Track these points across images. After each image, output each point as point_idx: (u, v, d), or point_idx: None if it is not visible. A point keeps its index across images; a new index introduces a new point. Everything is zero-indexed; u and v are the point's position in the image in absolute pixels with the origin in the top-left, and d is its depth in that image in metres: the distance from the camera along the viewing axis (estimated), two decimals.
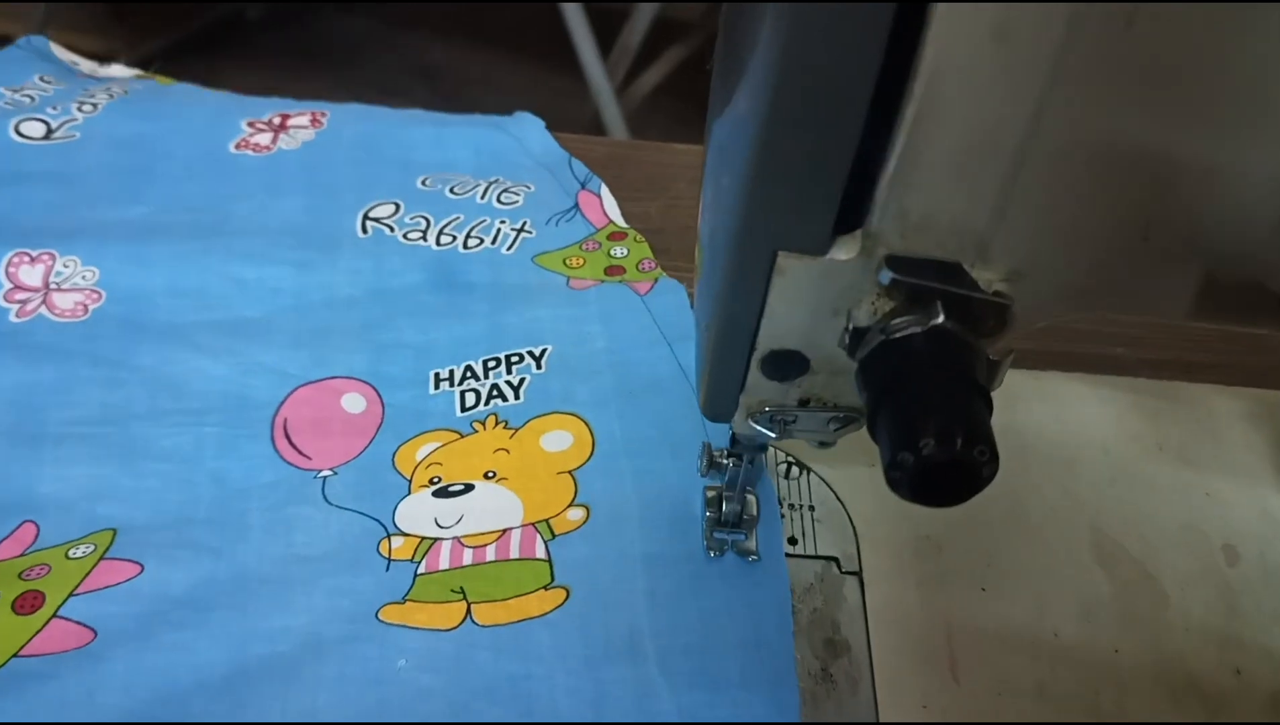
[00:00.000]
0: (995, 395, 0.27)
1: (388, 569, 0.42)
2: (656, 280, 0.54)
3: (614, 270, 0.55)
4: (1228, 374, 0.51)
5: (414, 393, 0.49)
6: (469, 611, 0.41)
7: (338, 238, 0.56)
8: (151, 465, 0.45)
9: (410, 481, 0.45)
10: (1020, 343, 0.29)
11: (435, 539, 0.43)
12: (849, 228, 0.27)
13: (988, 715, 0.38)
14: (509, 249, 0.56)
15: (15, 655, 0.38)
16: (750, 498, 0.42)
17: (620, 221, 0.58)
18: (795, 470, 0.45)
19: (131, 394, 0.48)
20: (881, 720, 0.38)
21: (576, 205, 0.59)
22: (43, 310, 0.51)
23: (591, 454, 0.46)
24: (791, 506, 0.44)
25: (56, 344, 0.50)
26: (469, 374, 0.50)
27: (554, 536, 0.43)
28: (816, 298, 0.28)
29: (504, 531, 0.43)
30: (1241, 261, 0.27)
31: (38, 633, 0.39)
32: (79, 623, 0.39)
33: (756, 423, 0.34)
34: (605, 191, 0.60)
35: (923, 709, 0.39)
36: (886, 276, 0.27)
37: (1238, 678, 0.40)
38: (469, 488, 0.45)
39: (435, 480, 0.45)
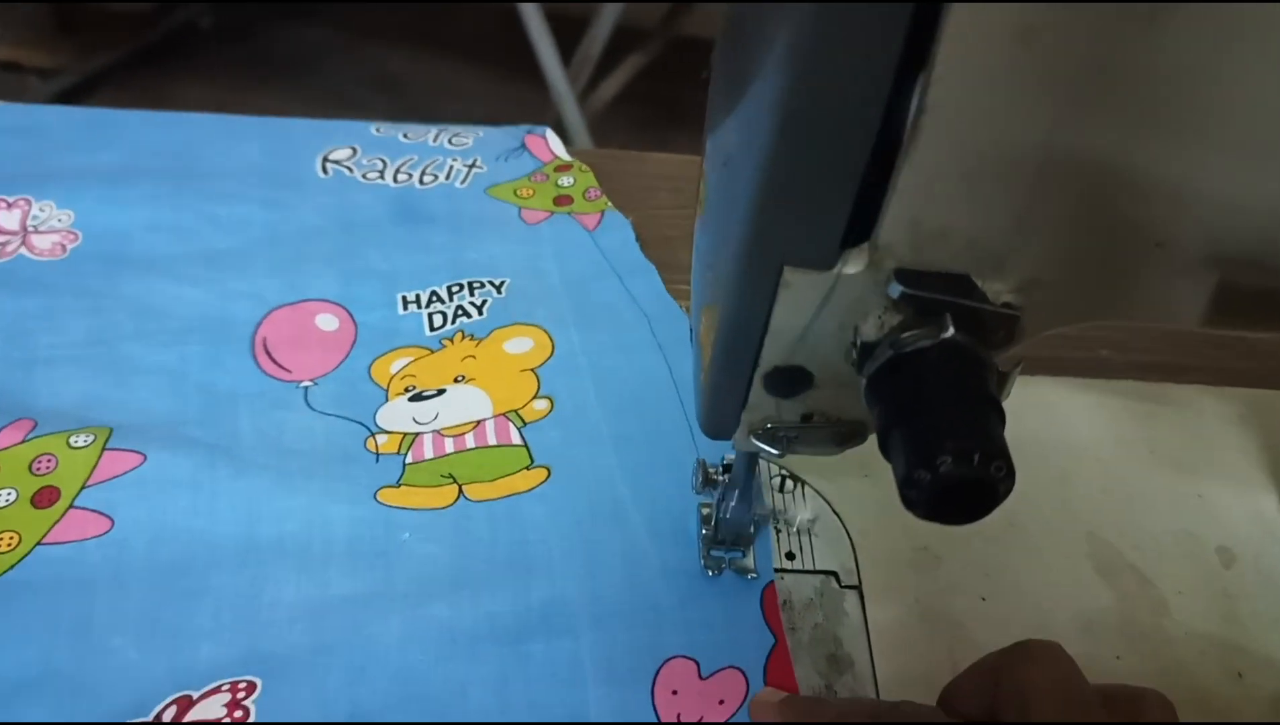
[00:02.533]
0: None
1: (377, 461, 0.46)
2: (603, 212, 0.58)
3: (562, 200, 0.59)
4: (1215, 375, 0.51)
5: (384, 313, 0.53)
6: (461, 492, 0.44)
7: (300, 178, 0.59)
8: (141, 378, 0.48)
9: (387, 391, 0.49)
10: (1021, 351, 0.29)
11: (416, 433, 0.47)
12: (855, 240, 0.26)
13: None
14: (462, 183, 0.60)
15: (39, 543, 0.41)
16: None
17: (565, 156, 0.62)
18: (790, 483, 0.45)
19: (116, 318, 0.50)
20: None
21: (524, 144, 0.64)
22: (23, 251, 0.53)
23: (551, 354, 0.51)
24: (788, 520, 0.43)
25: (39, 278, 0.52)
26: (434, 298, 0.53)
27: (525, 424, 0.48)
28: (822, 312, 0.28)
29: (478, 422, 0.47)
30: (1257, 270, 0.26)
31: (57, 522, 0.41)
32: (95, 511, 0.42)
33: (758, 440, 0.33)
34: (550, 134, 0.64)
35: None
36: (896, 290, 0.26)
37: (1240, 682, 0.40)
38: (441, 391, 0.49)
39: (410, 389, 0.49)
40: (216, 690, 0.37)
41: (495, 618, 0.40)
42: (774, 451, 0.33)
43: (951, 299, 0.26)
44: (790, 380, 0.30)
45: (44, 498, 0.42)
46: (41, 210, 0.54)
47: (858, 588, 0.41)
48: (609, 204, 0.59)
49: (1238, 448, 0.48)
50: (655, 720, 0.38)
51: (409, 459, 0.46)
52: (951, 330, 0.26)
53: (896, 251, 0.26)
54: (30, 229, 0.53)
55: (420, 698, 0.38)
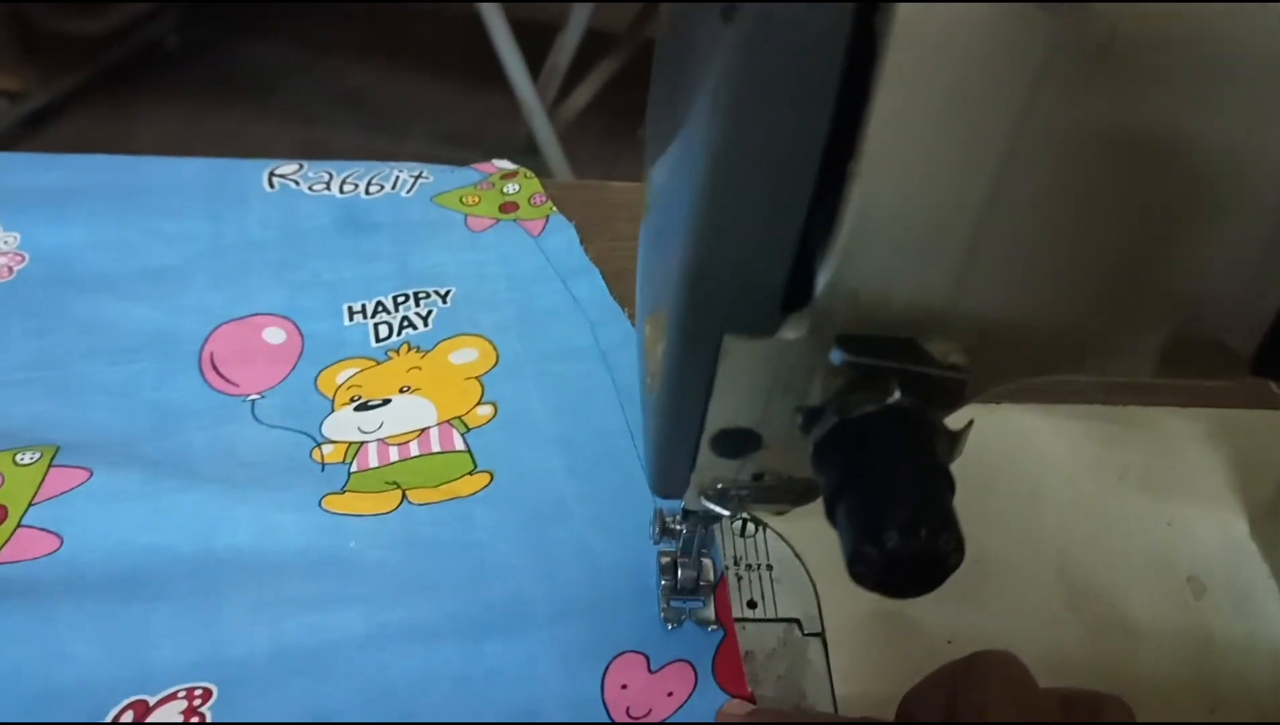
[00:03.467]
0: None
1: (323, 470, 0.46)
2: (548, 217, 0.59)
3: (508, 207, 0.60)
4: (1181, 394, 0.50)
5: (330, 324, 0.53)
6: (404, 497, 0.45)
7: (246, 192, 0.59)
8: (91, 398, 0.48)
9: (333, 401, 0.49)
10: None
11: (361, 442, 0.47)
12: (796, 304, 0.25)
13: None
14: (408, 192, 0.60)
15: None
16: (706, 562, 0.41)
17: (509, 167, 0.63)
18: (751, 527, 0.44)
19: (65, 339, 0.50)
20: None
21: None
22: None
23: (496, 363, 0.51)
24: (749, 566, 0.43)
25: None
26: (380, 308, 0.54)
27: (469, 429, 0.48)
28: (766, 377, 0.27)
29: (423, 430, 0.48)
30: (1203, 323, 0.26)
31: (7, 541, 0.41)
32: (44, 529, 0.42)
33: (709, 500, 0.32)
34: (497, 161, 0.64)
35: None
36: (838, 357, 0.25)
37: (1212, 716, 0.39)
38: (387, 401, 0.49)
39: (355, 398, 0.49)
40: (173, 697, 0.37)
41: (452, 619, 0.40)
42: (725, 512, 0.32)
43: (896, 365, 0.25)
44: (738, 443, 0.30)
45: None
46: None
47: (821, 635, 0.41)
48: (554, 208, 0.59)
49: (1207, 469, 0.47)
50: (605, 714, 0.38)
51: (354, 468, 0.46)
52: (898, 394, 0.25)
53: (837, 315, 0.25)
54: None
55: (379, 699, 0.38)
